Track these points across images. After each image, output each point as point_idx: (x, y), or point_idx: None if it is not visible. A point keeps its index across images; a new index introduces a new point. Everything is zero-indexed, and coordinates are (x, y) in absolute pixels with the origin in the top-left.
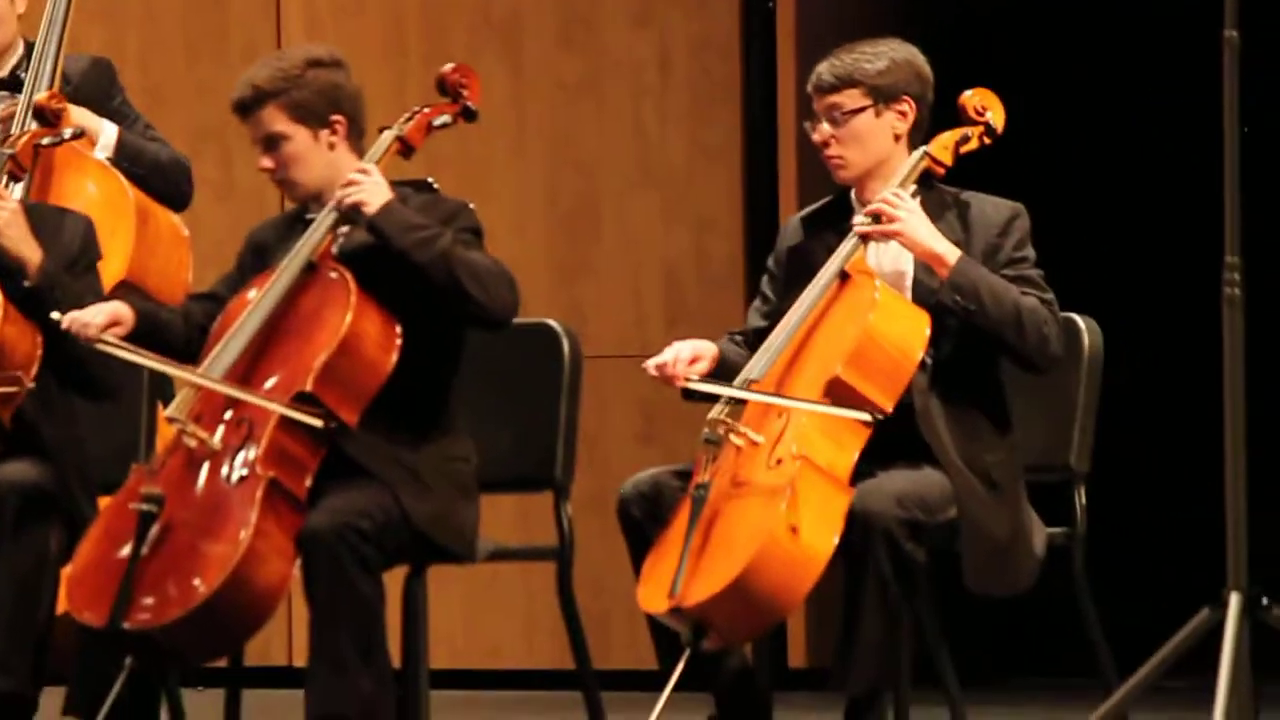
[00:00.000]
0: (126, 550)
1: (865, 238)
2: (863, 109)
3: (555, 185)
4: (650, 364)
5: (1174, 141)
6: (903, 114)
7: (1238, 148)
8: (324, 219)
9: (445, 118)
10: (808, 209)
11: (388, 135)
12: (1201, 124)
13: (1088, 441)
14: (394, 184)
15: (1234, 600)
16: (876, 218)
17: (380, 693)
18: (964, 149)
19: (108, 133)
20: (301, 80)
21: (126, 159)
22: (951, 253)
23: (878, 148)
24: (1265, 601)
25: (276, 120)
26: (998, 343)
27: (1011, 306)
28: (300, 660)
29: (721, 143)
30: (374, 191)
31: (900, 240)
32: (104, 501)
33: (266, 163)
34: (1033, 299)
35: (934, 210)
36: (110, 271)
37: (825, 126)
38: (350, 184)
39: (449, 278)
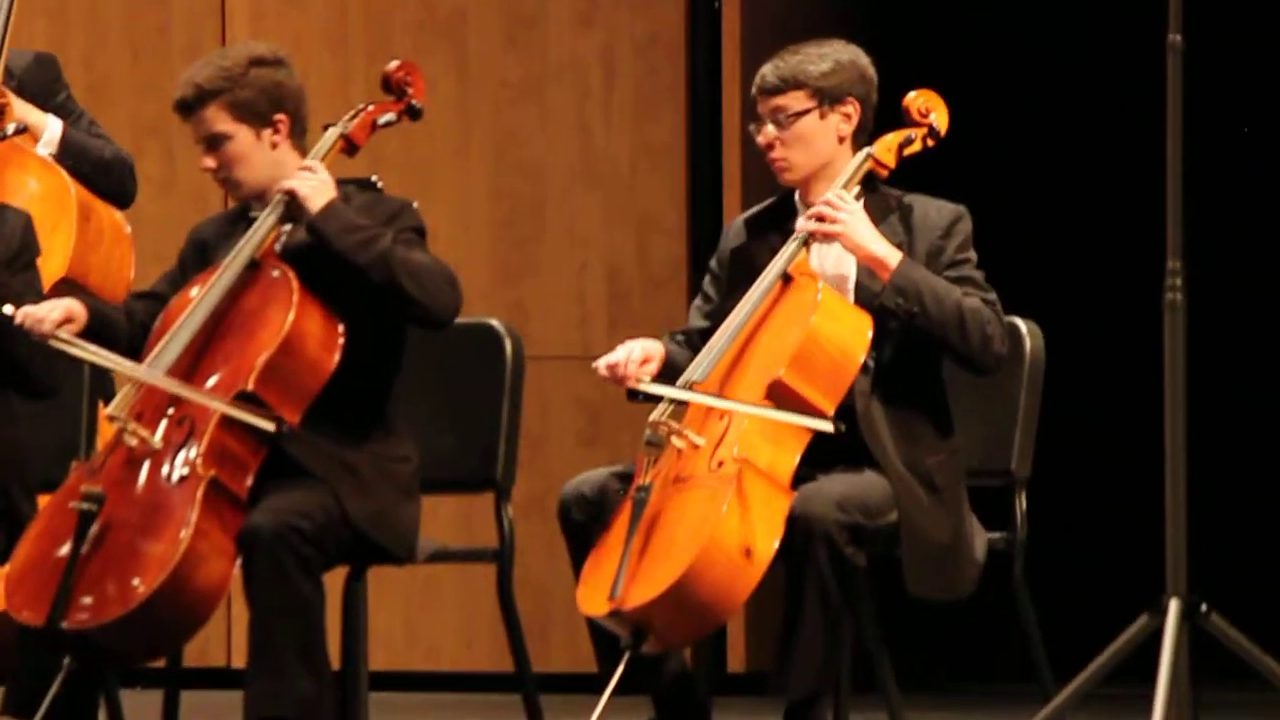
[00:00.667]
0: (66, 549)
1: (808, 239)
2: (807, 111)
3: (499, 185)
4: (601, 363)
5: (1117, 145)
6: (847, 116)
7: (1180, 152)
8: (267, 217)
9: (390, 116)
10: (751, 210)
11: (332, 133)
12: (1144, 128)
13: (1029, 446)
14: (338, 182)
15: (1173, 606)
16: (819, 219)
17: (319, 694)
18: (907, 151)
19: (51, 129)
20: (244, 79)
21: (70, 156)
22: (893, 255)
23: (822, 150)
24: (1204, 608)
25: (219, 120)
26: (941, 344)
27: (954, 307)
28: (239, 661)
29: (665, 143)
30: (319, 189)
31: (842, 242)
32: (44, 500)
33: (209, 162)
34: (975, 299)
35: (877, 212)
36: (51, 268)
37: (770, 129)
38: (302, 171)
39: (389, 279)
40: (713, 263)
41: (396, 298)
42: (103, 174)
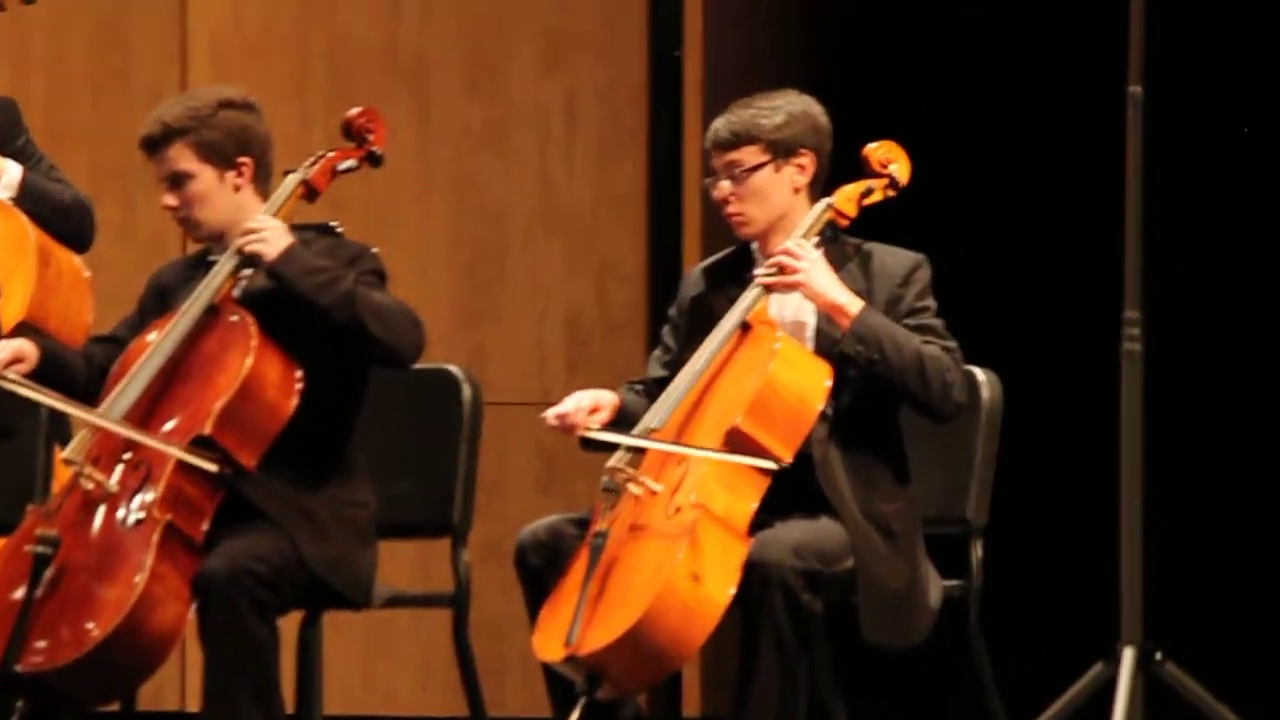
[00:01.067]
0: (21, 592)
1: (768, 288)
2: (761, 165)
3: (459, 231)
4: (550, 414)
5: (1075, 195)
6: (801, 167)
7: (1140, 201)
8: (225, 263)
9: (350, 162)
10: (710, 259)
11: (292, 179)
12: (1103, 178)
13: (985, 494)
14: (297, 228)
15: (1127, 655)
16: (780, 269)
17: None
18: (868, 201)
19: (11, 172)
20: (211, 120)
21: (29, 200)
22: (853, 303)
23: (778, 202)
24: (1159, 656)
25: (183, 158)
26: (901, 392)
27: (914, 355)
28: (194, 704)
29: (626, 190)
30: (272, 240)
31: (802, 290)
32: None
33: (170, 200)
34: (935, 347)
35: (836, 260)
36: (10, 312)
37: (725, 184)
38: (249, 233)
39: (353, 318)
40: (672, 311)
41: (360, 337)
42: (62, 218)
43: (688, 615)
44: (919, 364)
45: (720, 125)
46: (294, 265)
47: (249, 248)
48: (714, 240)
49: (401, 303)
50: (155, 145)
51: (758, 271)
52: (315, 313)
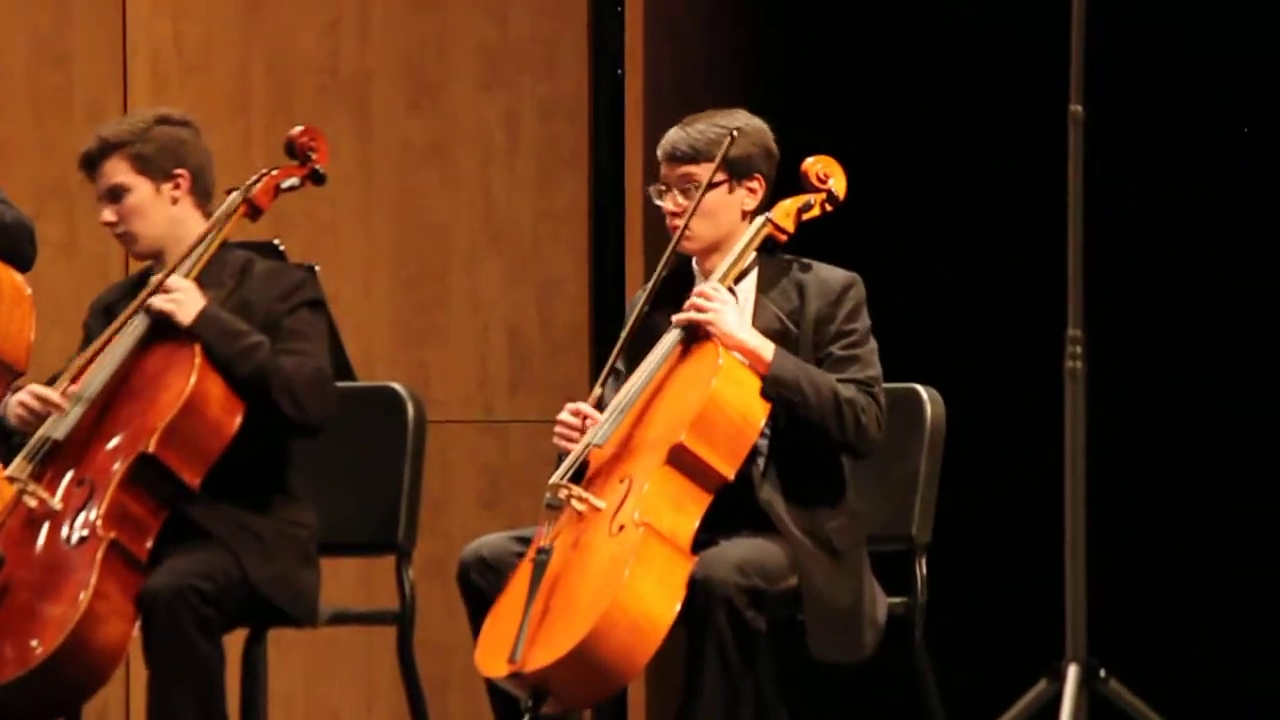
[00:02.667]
0: None
1: (684, 328)
2: (717, 185)
3: (402, 248)
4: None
5: (1017, 213)
6: (752, 190)
7: (1081, 220)
8: (138, 325)
9: (293, 180)
10: (651, 280)
11: (235, 197)
12: (1045, 196)
13: (929, 512)
14: (241, 246)
15: (1072, 671)
16: (694, 309)
17: None
18: (806, 216)
19: None
20: (147, 134)
21: None
22: (765, 347)
23: (726, 223)
24: (1103, 673)
25: (119, 171)
26: (819, 431)
27: (830, 396)
28: None
29: (568, 207)
30: (185, 304)
31: (712, 331)
32: None
33: (109, 215)
34: (850, 387)
35: (772, 276)
36: None
37: (677, 196)
38: (163, 291)
39: (264, 393)
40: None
41: (268, 408)
42: (2, 238)
43: (633, 633)
44: (835, 405)
45: (678, 138)
46: (211, 330)
47: (162, 307)
48: (657, 258)
49: (313, 364)
50: (93, 161)
51: (675, 317)
52: (229, 376)
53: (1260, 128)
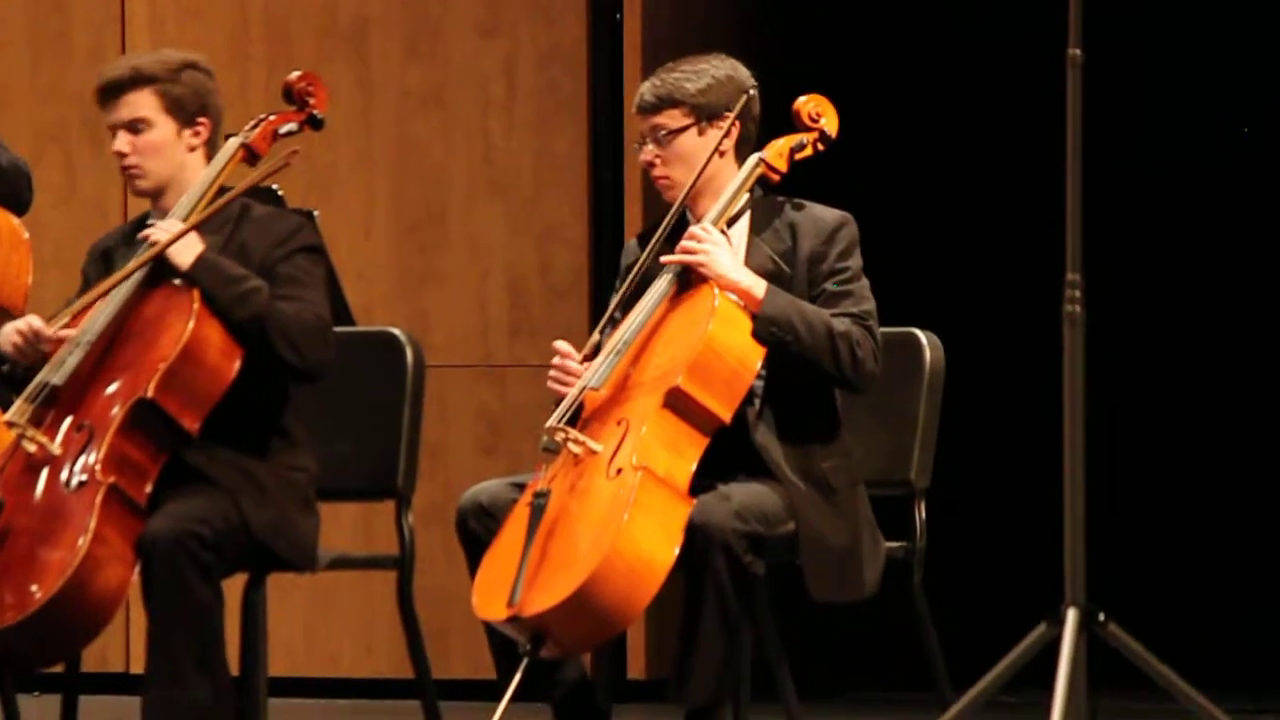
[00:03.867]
0: None
1: (678, 270)
2: (685, 128)
3: (401, 194)
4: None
5: (1016, 157)
6: (726, 131)
7: (1080, 164)
8: (136, 268)
9: (291, 125)
10: (645, 228)
11: (233, 142)
12: (1044, 139)
13: (928, 456)
14: (240, 193)
15: (1071, 615)
16: (684, 251)
17: (218, 701)
18: (799, 155)
19: None
20: (179, 76)
21: None
22: (758, 285)
23: (701, 165)
24: (1101, 617)
25: (145, 105)
26: (814, 368)
27: (824, 331)
28: (138, 666)
29: (567, 153)
30: (183, 247)
31: (705, 273)
32: None
33: (123, 145)
34: (844, 320)
35: (764, 217)
36: None
37: (650, 147)
38: (155, 238)
39: (261, 336)
40: (617, 282)
41: (267, 353)
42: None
43: (632, 577)
44: (829, 340)
45: (645, 89)
46: (208, 274)
47: (161, 240)
48: (656, 204)
49: (313, 311)
50: (120, 89)
51: (665, 259)
52: (227, 322)
53: (1263, 76)
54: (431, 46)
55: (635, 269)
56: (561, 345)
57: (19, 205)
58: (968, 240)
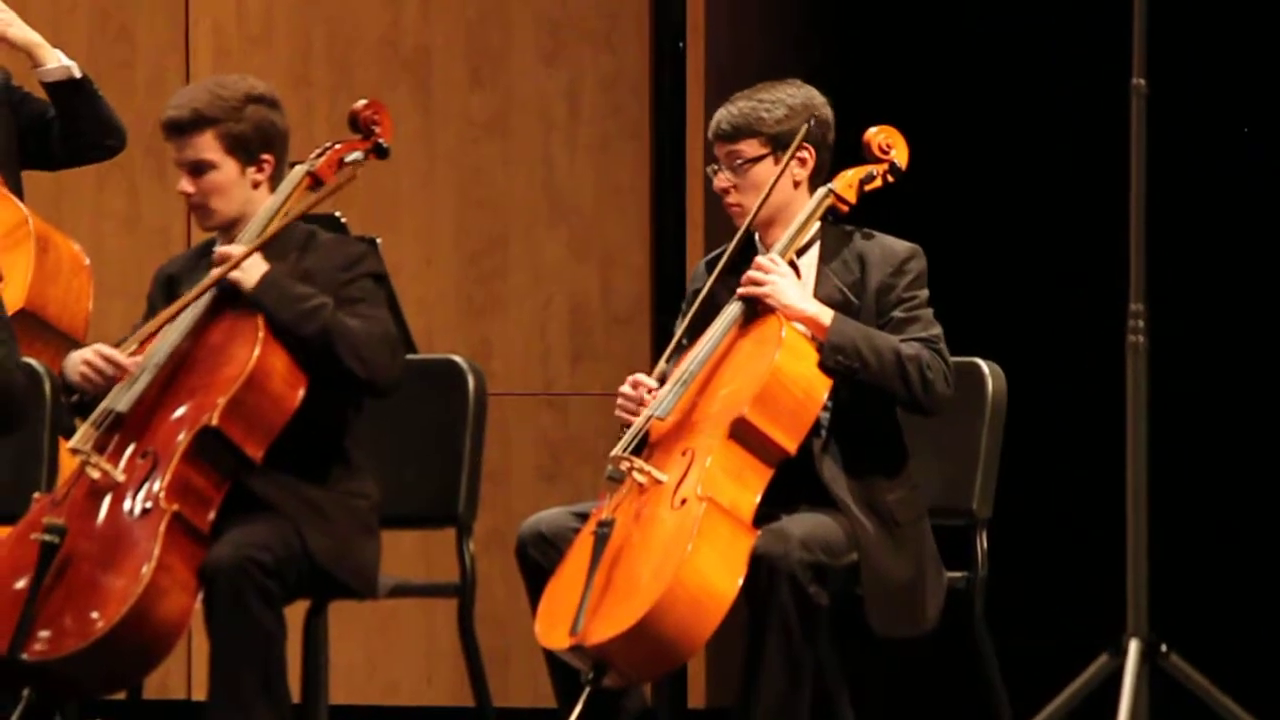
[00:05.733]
0: (27, 581)
1: (744, 300)
2: (761, 157)
3: (463, 221)
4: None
5: (1080, 187)
6: (802, 160)
7: (1144, 195)
8: (203, 296)
9: (357, 154)
10: (714, 253)
11: (299, 170)
12: (1108, 170)
13: (990, 486)
14: (303, 219)
15: (1133, 647)
16: (751, 283)
17: None
18: (868, 187)
19: (62, 57)
20: (240, 114)
21: (86, 95)
22: (824, 314)
23: (777, 195)
24: (1164, 649)
25: (207, 147)
26: (884, 393)
27: (892, 356)
28: (199, 694)
29: (630, 180)
30: (249, 269)
31: (771, 304)
32: (4, 532)
33: (188, 187)
34: (913, 344)
35: (833, 248)
36: (10, 299)
37: (725, 174)
38: (224, 258)
39: (328, 352)
40: (684, 305)
41: (336, 370)
42: (100, 129)
43: (696, 608)
44: (898, 365)
45: (722, 117)
46: (273, 295)
47: (228, 276)
48: (717, 231)
49: (380, 325)
50: (182, 130)
51: (741, 291)
52: (294, 340)
53: None
54: (494, 74)
55: (700, 295)
56: (641, 378)
57: (110, 154)
58: (1031, 270)
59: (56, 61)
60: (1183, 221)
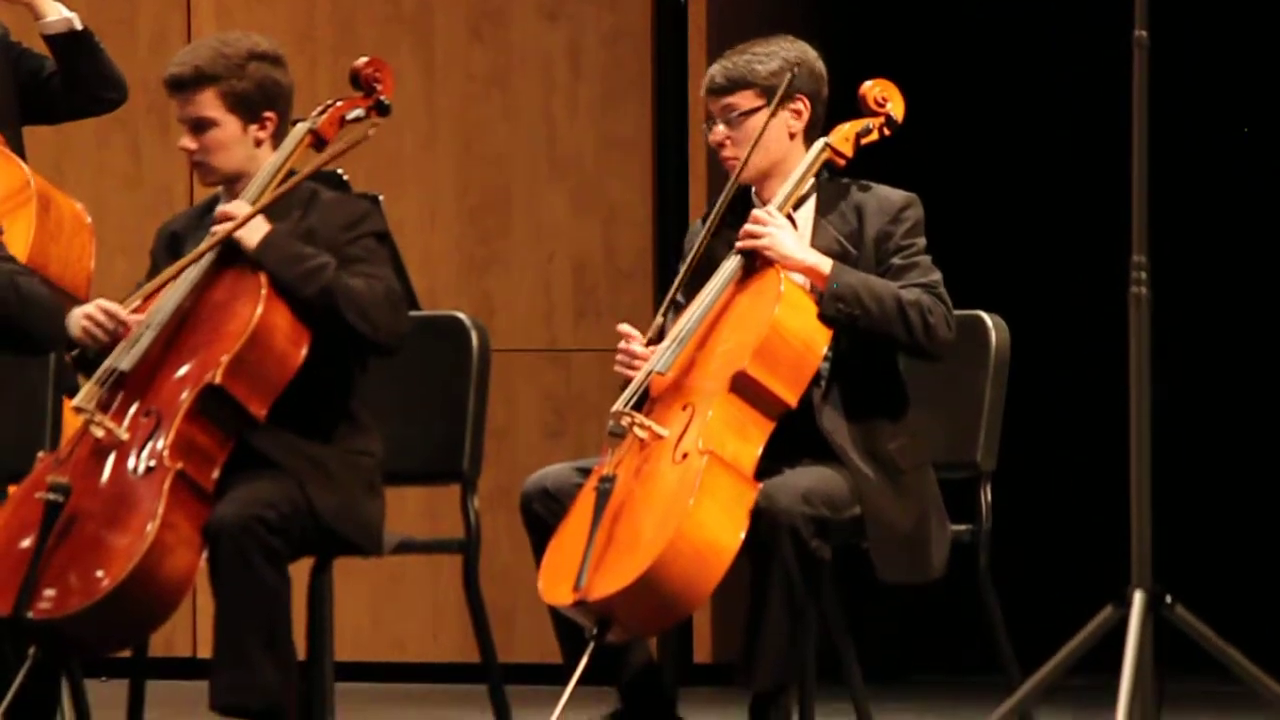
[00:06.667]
0: (31, 540)
1: (742, 253)
2: (756, 109)
3: (465, 178)
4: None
5: (1082, 139)
6: (797, 113)
7: (1145, 147)
8: (206, 254)
9: (359, 111)
10: (709, 209)
11: (301, 128)
12: (1109, 122)
13: (994, 439)
14: (310, 174)
15: (1138, 598)
16: (748, 236)
17: (284, 684)
18: (865, 140)
19: (62, 9)
20: (243, 70)
21: (88, 47)
22: (823, 263)
23: (773, 147)
24: (1169, 599)
25: (209, 105)
26: (887, 340)
27: (893, 302)
28: (205, 651)
29: (631, 135)
30: (251, 228)
31: (770, 256)
32: (9, 490)
33: (189, 144)
34: (914, 290)
35: (830, 200)
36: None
37: (720, 127)
38: (226, 217)
39: (331, 310)
40: (680, 264)
41: (340, 328)
42: (102, 83)
43: (698, 562)
44: (899, 311)
45: (716, 71)
46: (274, 254)
47: (227, 233)
48: (720, 185)
49: (383, 283)
50: (183, 87)
51: (739, 244)
52: (296, 301)
53: None
54: (495, 30)
55: (694, 251)
56: (626, 329)
57: (110, 107)
58: (1033, 223)
59: (58, 14)
60: (1185, 173)
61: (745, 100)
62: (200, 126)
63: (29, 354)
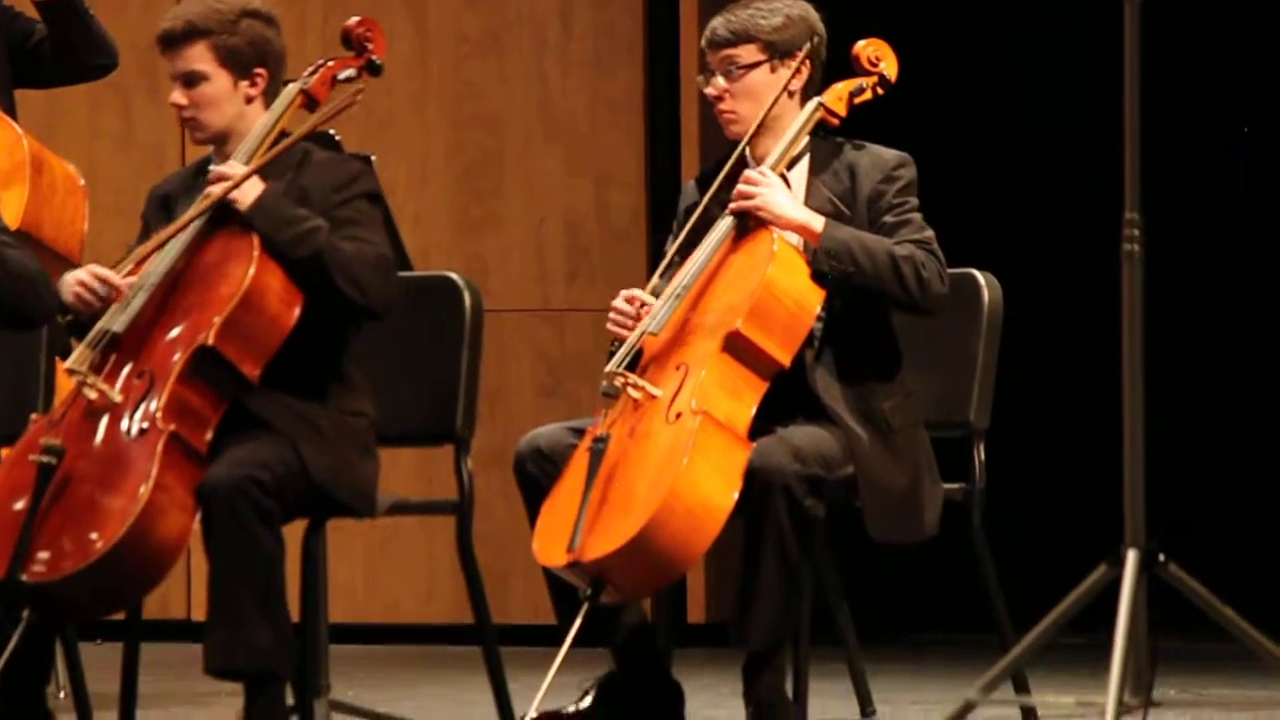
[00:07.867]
0: (25, 502)
1: (735, 214)
2: (758, 64)
3: (458, 138)
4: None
5: (1075, 97)
6: (797, 71)
7: (1138, 104)
8: (198, 215)
9: (350, 71)
10: (704, 170)
11: (292, 88)
12: (1102, 79)
13: (987, 397)
14: (303, 136)
15: (1131, 557)
16: (740, 196)
17: (278, 646)
18: (858, 99)
19: None
20: (235, 26)
21: (75, 11)
22: (816, 220)
23: (770, 102)
24: (1162, 558)
25: (200, 58)
26: (880, 296)
27: (886, 258)
28: (199, 614)
29: (624, 96)
30: (245, 188)
31: (763, 215)
32: (3, 453)
33: (179, 99)
34: (906, 245)
35: (824, 159)
36: (5, 220)
37: (719, 80)
38: (220, 178)
39: (322, 274)
40: (675, 225)
41: (330, 293)
42: (94, 46)
43: (692, 522)
44: (892, 266)
45: (718, 23)
46: (267, 216)
47: (223, 193)
48: (712, 144)
49: (374, 248)
50: (175, 41)
51: (732, 206)
52: (287, 263)
53: None
54: None
55: (695, 212)
56: (633, 292)
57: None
58: (1026, 181)
59: None
60: (1178, 130)
61: (748, 54)
62: (191, 80)
63: (17, 328)
